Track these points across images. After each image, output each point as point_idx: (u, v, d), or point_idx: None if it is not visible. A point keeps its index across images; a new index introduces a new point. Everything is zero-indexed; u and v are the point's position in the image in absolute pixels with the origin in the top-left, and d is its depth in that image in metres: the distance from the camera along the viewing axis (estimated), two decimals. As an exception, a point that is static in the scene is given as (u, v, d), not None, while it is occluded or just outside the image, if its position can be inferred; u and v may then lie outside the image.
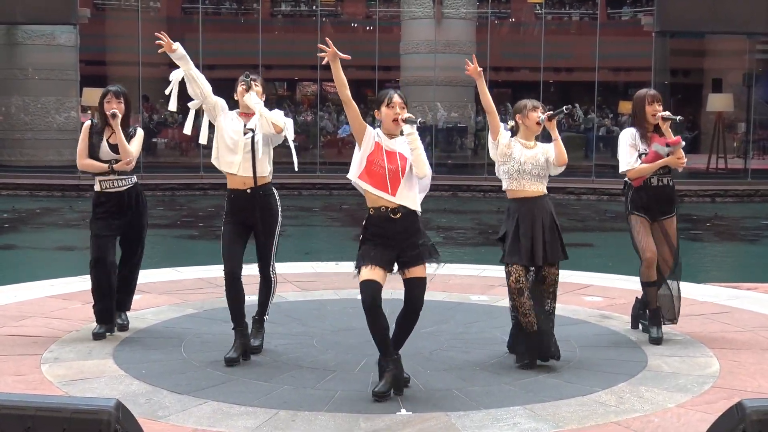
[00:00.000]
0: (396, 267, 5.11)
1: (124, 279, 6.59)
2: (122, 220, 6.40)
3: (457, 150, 25.31)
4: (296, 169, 6.04)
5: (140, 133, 6.55)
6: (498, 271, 8.61)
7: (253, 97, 5.86)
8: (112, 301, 6.39)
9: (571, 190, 20.65)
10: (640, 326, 6.64)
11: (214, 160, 5.99)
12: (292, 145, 5.97)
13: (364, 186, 5.09)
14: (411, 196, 5.10)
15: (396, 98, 5.13)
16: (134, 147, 6.39)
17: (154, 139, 24.81)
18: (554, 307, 5.87)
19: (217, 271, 8.84)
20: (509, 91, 32.97)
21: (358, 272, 5.02)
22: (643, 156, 6.34)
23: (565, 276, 8.59)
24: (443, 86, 24.34)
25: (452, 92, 24.86)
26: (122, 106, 6.35)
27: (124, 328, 6.53)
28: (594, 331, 6.71)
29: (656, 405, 4.99)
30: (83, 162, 6.43)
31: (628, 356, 5.99)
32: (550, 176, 5.82)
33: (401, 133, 5.14)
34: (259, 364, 5.70)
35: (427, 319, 6.78)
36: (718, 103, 24.62)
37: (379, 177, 5.07)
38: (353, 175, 5.12)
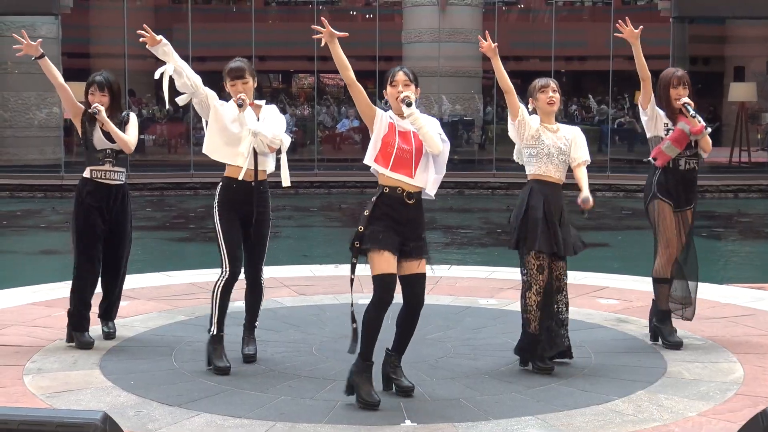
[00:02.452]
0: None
1: (109, 285, 6.58)
2: (107, 218, 6.37)
3: (463, 145, 25.31)
4: (286, 184, 5.95)
5: (133, 118, 6.51)
6: (507, 273, 8.62)
7: (249, 117, 5.81)
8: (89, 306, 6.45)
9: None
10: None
11: (210, 152, 5.83)
12: (284, 158, 5.95)
13: (380, 170, 5.08)
14: (426, 177, 5.11)
15: (399, 75, 5.12)
16: (132, 134, 6.36)
17: (142, 136, 24.83)
18: (567, 317, 5.88)
19: (208, 276, 8.86)
20: (519, 81, 32.88)
21: (360, 252, 5.01)
22: (670, 132, 6.29)
23: (579, 278, 8.60)
24: (448, 77, 24.34)
25: (458, 83, 24.87)
26: (106, 98, 6.31)
27: (110, 336, 6.53)
28: (610, 335, 6.71)
29: (676, 414, 4.99)
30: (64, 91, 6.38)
31: (646, 362, 5.99)
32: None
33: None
34: (255, 374, 5.70)
35: (433, 325, 6.81)
36: (740, 92, 24.60)
37: (394, 159, 5.06)
38: (369, 159, 5.11)
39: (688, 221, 6.42)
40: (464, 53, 24.65)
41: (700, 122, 6.21)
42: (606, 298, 7.93)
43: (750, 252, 14.42)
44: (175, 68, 5.85)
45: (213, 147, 5.86)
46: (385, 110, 5.24)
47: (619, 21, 6.31)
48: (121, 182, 6.43)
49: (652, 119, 6.39)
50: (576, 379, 5.60)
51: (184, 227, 15.90)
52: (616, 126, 26.59)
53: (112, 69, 25.96)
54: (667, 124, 6.31)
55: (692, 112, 6.18)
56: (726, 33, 30.29)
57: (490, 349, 6.29)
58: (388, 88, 5.15)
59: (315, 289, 8.34)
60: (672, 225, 6.30)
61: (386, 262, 4.98)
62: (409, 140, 5.11)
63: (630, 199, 19.41)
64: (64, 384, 5.50)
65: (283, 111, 27.68)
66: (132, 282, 8.56)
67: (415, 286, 5.15)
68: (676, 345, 6.29)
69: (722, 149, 24.94)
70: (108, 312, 6.62)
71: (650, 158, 6.39)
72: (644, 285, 8.41)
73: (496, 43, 5.84)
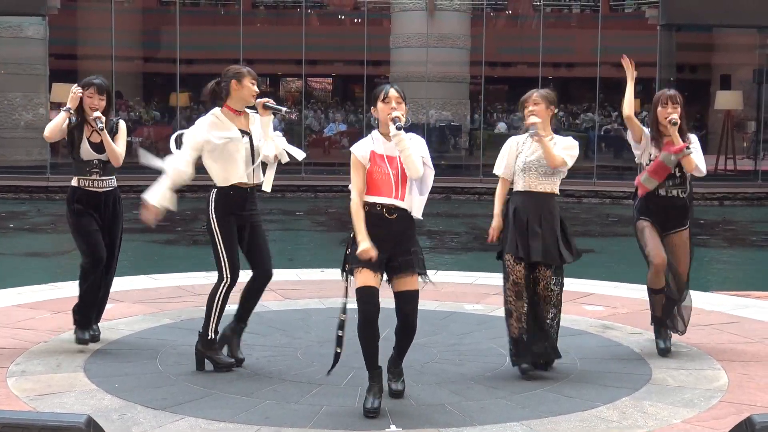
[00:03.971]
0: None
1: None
2: (99, 223, 6.37)
3: (450, 150, 25.35)
4: (268, 190, 5.95)
5: (123, 127, 6.42)
6: (493, 279, 8.62)
7: (270, 127, 5.81)
8: (95, 306, 6.47)
9: (571, 192, 20.70)
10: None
11: (225, 182, 5.76)
12: (273, 169, 5.93)
13: (372, 200, 5.06)
14: (412, 199, 5.11)
15: (392, 93, 5.10)
16: (121, 147, 6.31)
17: (129, 138, 24.76)
18: (557, 322, 5.92)
19: (194, 279, 8.85)
20: (506, 87, 33.08)
21: (348, 273, 5.06)
22: (651, 162, 6.22)
23: (565, 284, 8.61)
24: (436, 82, 24.39)
25: (445, 89, 24.92)
26: (103, 103, 6.23)
27: (95, 338, 6.50)
28: (595, 342, 6.73)
29: (661, 421, 5.00)
30: (49, 132, 6.28)
31: (631, 369, 6.00)
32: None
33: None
34: (240, 378, 5.69)
35: (419, 330, 6.75)
36: (726, 100, 24.72)
37: (384, 183, 5.05)
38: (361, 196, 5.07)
39: (683, 243, 6.32)
40: (452, 58, 24.71)
41: (681, 142, 6.14)
42: (592, 305, 7.95)
43: (735, 259, 14.48)
44: (173, 186, 5.72)
45: (224, 176, 5.79)
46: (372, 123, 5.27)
47: (624, 56, 6.34)
48: (111, 188, 6.41)
49: (644, 151, 6.34)
50: (561, 386, 5.61)
51: (170, 230, 15.84)
52: (602, 133, 26.68)
53: (99, 70, 25.95)
54: (651, 154, 6.26)
55: (676, 119, 6.11)
56: (713, 41, 30.46)
57: (476, 355, 6.29)
58: (380, 104, 5.11)
59: (301, 293, 8.33)
60: (654, 238, 6.19)
61: (366, 276, 4.96)
62: (395, 165, 5.07)
63: (616, 206, 19.47)
64: (48, 387, 5.48)
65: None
66: (117, 285, 8.51)
67: (407, 304, 5.14)
68: (665, 352, 6.31)
69: (708, 157, 24.96)
70: (95, 314, 6.58)
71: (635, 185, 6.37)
72: (630, 292, 8.43)
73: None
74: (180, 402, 5.20)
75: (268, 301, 7.90)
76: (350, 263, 5.04)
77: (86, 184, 6.32)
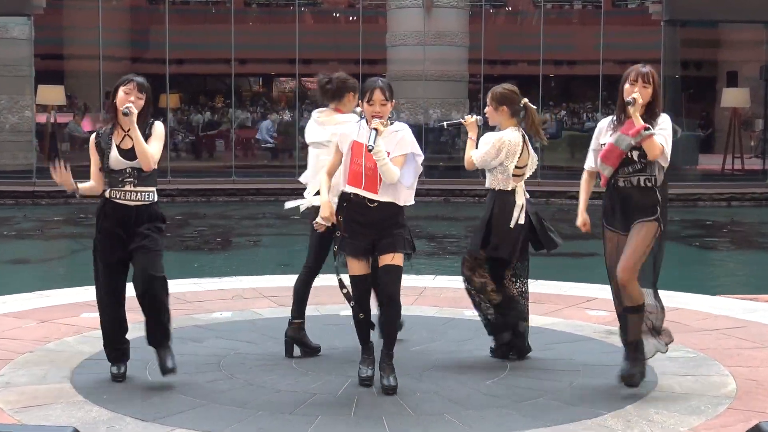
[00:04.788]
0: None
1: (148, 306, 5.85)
2: (128, 245, 5.71)
3: (449, 151, 25.32)
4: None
5: (159, 129, 5.79)
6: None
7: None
8: (122, 337, 5.91)
9: (574, 194, 20.67)
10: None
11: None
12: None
13: (350, 191, 5.53)
14: (393, 190, 5.49)
15: (376, 94, 5.44)
16: (154, 148, 5.68)
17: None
18: (521, 327, 6.31)
19: (185, 286, 8.83)
20: (506, 86, 33.01)
21: (339, 258, 5.65)
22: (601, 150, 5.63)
23: (567, 288, 8.62)
24: (434, 81, 24.35)
25: (444, 88, 24.87)
26: (141, 102, 5.67)
27: (168, 370, 5.74)
28: (599, 348, 6.72)
29: (667, 429, 5.00)
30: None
31: (636, 376, 5.99)
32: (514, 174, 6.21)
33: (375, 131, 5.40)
34: (232, 388, 5.68)
35: (417, 337, 6.80)
36: (733, 98, 24.73)
37: (358, 175, 5.47)
38: (341, 184, 5.61)
39: (638, 235, 5.55)
40: (450, 56, 24.67)
41: (641, 123, 5.48)
42: (595, 310, 7.94)
43: (743, 262, 14.48)
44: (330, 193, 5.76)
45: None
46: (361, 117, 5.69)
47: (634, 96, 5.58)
48: (146, 202, 5.74)
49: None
50: (564, 393, 5.60)
51: (98, 221, 15.79)
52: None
53: (86, 71, 25.74)
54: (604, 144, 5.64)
55: (633, 98, 5.53)
56: (719, 37, 30.45)
57: (476, 363, 6.28)
58: (365, 104, 5.49)
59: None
60: (612, 254, 5.69)
61: (357, 265, 5.56)
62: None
63: (620, 208, 19.44)
64: (33, 398, 5.46)
65: (264, 116, 27.72)
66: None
67: (383, 274, 5.53)
68: (629, 379, 5.67)
69: (715, 156, 25.07)
70: (154, 338, 5.90)
71: None
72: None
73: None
74: (171, 413, 5.19)
75: (261, 309, 7.90)
76: (339, 249, 5.62)
77: (117, 196, 5.70)
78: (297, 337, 6.43)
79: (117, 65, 27.51)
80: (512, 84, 6.42)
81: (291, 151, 24.68)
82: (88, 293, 8.44)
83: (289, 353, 6.37)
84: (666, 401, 5.46)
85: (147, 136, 5.69)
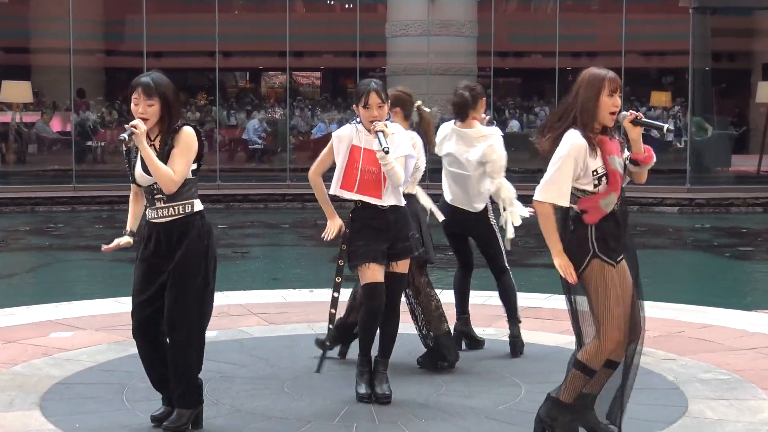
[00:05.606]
0: None
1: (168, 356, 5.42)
2: (166, 265, 5.30)
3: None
4: None
5: (185, 137, 5.17)
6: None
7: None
8: (164, 369, 5.42)
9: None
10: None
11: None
12: None
13: (347, 195, 5.81)
14: (396, 193, 5.86)
15: (372, 98, 5.73)
16: (177, 165, 5.11)
17: (90, 143, 24.80)
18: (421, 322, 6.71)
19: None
20: (518, 80, 33.13)
21: (350, 269, 5.88)
22: (601, 182, 4.92)
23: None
24: (438, 75, 24.38)
25: (449, 82, 24.81)
26: (154, 108, 5.12)
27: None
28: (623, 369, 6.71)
29: (699, 458, 5.00)
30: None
31: (664, 400, 6.00)
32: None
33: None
34: (219, 414, 5.68)
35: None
36: (769, 92, 24.73)
37: (359, 182, 5.77)
38: (334, 188, 5.83)
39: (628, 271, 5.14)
40: (457, 48, 24.71)
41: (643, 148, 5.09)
42: (618, 327, 7.93)
43: (781, 274, 14.48)
44: None
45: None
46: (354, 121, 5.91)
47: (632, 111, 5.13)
48: (181, 215, 5.24)
49: (585, 171, 4.97)
50: (585, 420, 5.59)
51: (139, 247, 15.84)
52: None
53: (55, 66, 25.76)
54: (596, 171, 4.91)
55: (655, 122, 5.37)
56: (753, 25, 30.49)
57: (487, 386, 6.28)
58: (361, 109, 5.77)
59: (287, 317, 8.32)
60: (625, 295, 5.08)
61: (372, 272, 5.78)
62: (375, 162, 5.70)
63: (645, 214, 19.47)
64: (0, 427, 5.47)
65: (251, 114, 27.72)
66: (78, 310, 8.54)
67: (395, 284, 5.88)
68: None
69: (750, 157, 25.04)
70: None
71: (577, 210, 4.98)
72: (661, 311, 8.42)
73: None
74: (150, 443, 5.19)
75: (249, 327, 7.90)
76: (354, 259, 5.82)
77: (151, 216, 5.33)
78: (465, 330, 7.17)
79: (89, 59, 27.57)
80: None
81: (281, 153, 24.69)
82: (57, 311, 8.47)
83: (458, 346, 6.97)
84: (697, 428, 5.47)
85: (171, 149, 5.15)
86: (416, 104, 6.69)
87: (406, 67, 24.72)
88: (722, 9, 25.30)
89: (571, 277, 4.84)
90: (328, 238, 5.97)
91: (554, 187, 4.85)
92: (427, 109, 6.74)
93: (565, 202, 4.87)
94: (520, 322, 7.05)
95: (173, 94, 5.19)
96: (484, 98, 7.00)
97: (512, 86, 32.85)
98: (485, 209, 7.01)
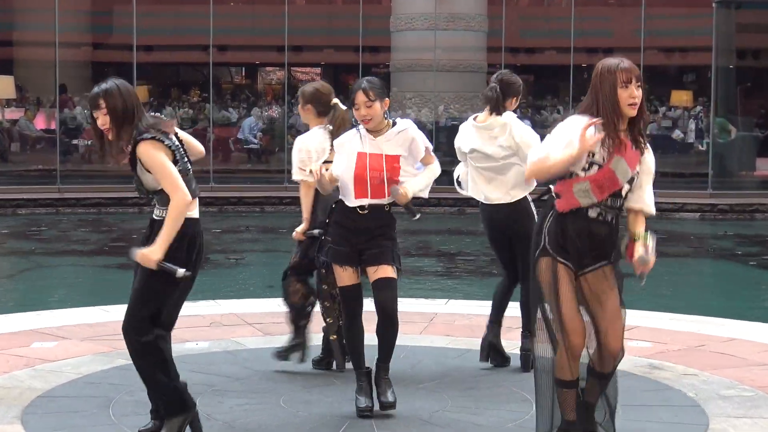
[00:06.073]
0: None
1: None
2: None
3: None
4: None
5: (145, 158, 5.10)
6: (517, 309, 8.60)
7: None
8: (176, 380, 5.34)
9: (611, 204, 20.73)
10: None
11: None
12: None
13: (363, 203, 5.90)
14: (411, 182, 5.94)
15: (359, 97, 5.83)
16: (165, 184, 5.09)
17: (75, 141, 24.79)
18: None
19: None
20: (531, 78, 33.09)
21: (325, 264, 6.08)
22: (592, 170, 4.99)
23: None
24: (446, 72, 24.39)
25: (457, 80, 24.92)
26: (107, 118, 5.11)
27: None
28: (641, 385, 6.71)
29: (721, 480, 4.99)
30: None
31: (684, 418, 5.99)
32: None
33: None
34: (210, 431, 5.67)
35: (427, 372, 6.80)
36: (797, 92, 24.72)
37: (364, 185, 5.88)
38: (349, 201, 5.91)
39: (608, 284, 5.18)
40: (465, 43, 24.72)
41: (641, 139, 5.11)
42: (636, 340, 7.91)
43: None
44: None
45: None
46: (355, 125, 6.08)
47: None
48: (161, 217, 5.22)
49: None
50: (600, 438, 5.59)
51: (125, 251, 15.85)
52: (648, 132, 26.70)
53: (39, 60, 25.75)
54: (593, 154, 4.97)
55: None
56: (781, 21, 30.49)
57: (496, 402, 6.28)
58: (354, 111, 5.91)
59: (283, 327, 8.28)
60: (572, 296, 5.12)
61: (345, 275, 5.94)
62: (380, 165, 5.84)
63: (664, 220, 19.45)
64: (-22, 442, 5.47)
65: (248, 112, 27.72)
66: (62, 318, 8.54)
67: (382, 290, 5.89)
68: None
69: (778, 161, 25.02)
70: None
71: (550, 189, 5.27)
72: (681, 324, 8.43)
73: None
74: (137, 460, 5.19)
75: (243, 338, 7.89)
76: (321, 254, 6.04)
77: (155, 213, 5.33)
78: (494, 343, 7.06)
79: (76, 53, 27.59)
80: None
81: (279, 154, 24.66)
82: (40, 319, 8.47)
83: (483, 358, 7.05)
84: (719, 448, 5.46)
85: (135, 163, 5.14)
86: (332, 102, 6.84)
87: (412, 63, 24.74)
88: (748, 3, 25.32)
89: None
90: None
91: (541, 155, 5.00)
92: (343, 107, 6.80)
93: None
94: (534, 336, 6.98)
95: (122, 96, 5.09)
96: (518, 95, 7.03)
97: (525, 84, 32.88)
98: (525, 199, 6.89)
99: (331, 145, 6.41)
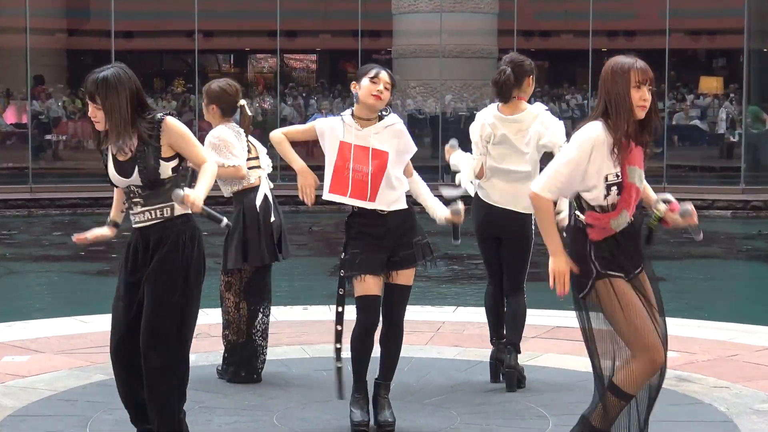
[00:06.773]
0: None
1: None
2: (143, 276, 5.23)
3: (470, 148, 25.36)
4: None
5: (175, 129, 5.21)
6: (532, 317, 8.61)
7: None
8: (139, 391, 5.32)
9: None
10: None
11: None
12: None
13: (338, 200, 5.88)
14: (394, 195, 5.92)
15: (383, 74, 5.86)
16: (203, 152, 5.30)
17: (48, 137, 24.80)
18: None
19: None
20: (546, 63, 33.08)
21: (346, 280, 5.91)
22: (613, 187, 4.96)
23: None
24: (452, 58, 24.39)
25: (465, 66, 24.90)
26: (100, 112, 5.10)
27: None
28: (667, 398, 6.69)
29: (754, 502, 5.00)
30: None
31: (714, 434, 6.00)
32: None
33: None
34: (197, 452, 5.68)
35: (434, 385, 6.81)
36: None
37: (344, 181, 5.86)
38: (324, 192, 5.90)
39: (648, 286, 5.29)
40: (474, 26, 24.70)
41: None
42: (662, 350, 7.93)
43: None
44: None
45: None
46: (332, 115, 6.12)
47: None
48: (156, 220, 5.18)
49: (598, 174, 4.98)
50: (623, 457, 5.59)
51: (105, 257, 15.84)
52: (674, 122, 26.67)
53: (9, 48, 25.71)
54: (608, 177, 4.94)
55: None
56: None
57: (509, 418, 6.28)
58: (367, 82, 5.83)
59: (277, 338, 8.31)
60: (641, 310, 5.18)
61: (367, 285, 5.85)
62: (366, 159, 5.84)
63: (693, 219, 19.45)
64: (-56, 465, 5.48)
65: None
66: (35, 330, 8.54)
67: (396, 297, 5.97)
68: None
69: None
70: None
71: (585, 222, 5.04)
72: (711, 332, 8.43)
73: None
74: (118, 484, 5.20)
75: (233, 350, 7.89)
76: (348, 269, 5.88)
77: (132, 221, 5.28)
78: (502, 359, 6.91)
79: (48, 40, 27.56)
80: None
81: (271, 149, 24.62)
82: (11, 331, 8.47)
83: (494, 378, 6.96)
84: (753, 467, 5.46)
85: (156, 148, 5.13)
86: (239, 103, 7.07)
87: (416, 49, 24.73)
88: (782, -19, 25.29)
89: (561, 287, 4.86)
90: (312, 203, 6.04)
91: (558, 180, 4.90)
92: (250, 113, 7.19)
93: (565, 197, 5.05)
94: (520, 353, 6.87)
95: (115, 87, 5.05)
96: (531, 75, 6.90)
97: (539, 70, 32.71)
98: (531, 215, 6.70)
99: (248, 142, 6.90)
